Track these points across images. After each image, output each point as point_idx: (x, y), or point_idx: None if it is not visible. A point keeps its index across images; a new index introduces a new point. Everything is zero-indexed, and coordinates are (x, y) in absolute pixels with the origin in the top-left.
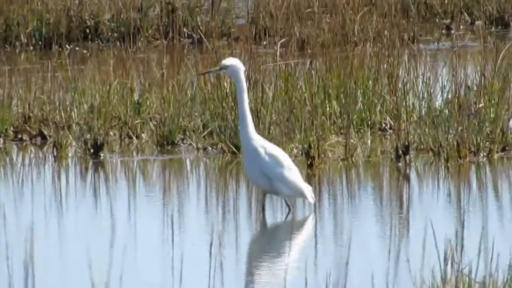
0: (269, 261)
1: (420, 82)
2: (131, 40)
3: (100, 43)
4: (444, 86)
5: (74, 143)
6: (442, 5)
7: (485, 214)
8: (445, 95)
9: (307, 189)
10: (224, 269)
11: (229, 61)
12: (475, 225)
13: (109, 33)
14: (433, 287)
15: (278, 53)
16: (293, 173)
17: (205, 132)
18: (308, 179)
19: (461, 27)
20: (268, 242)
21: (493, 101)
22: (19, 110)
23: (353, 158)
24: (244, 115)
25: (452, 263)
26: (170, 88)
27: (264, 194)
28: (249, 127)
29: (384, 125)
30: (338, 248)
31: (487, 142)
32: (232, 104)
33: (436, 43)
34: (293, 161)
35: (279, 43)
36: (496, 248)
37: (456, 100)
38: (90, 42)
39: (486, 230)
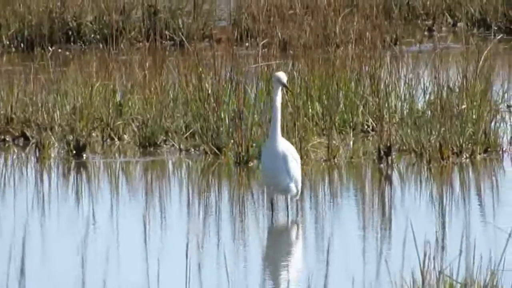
0: (248, 262)
1: (402, 84)
2: (114, 42)
3: (83, 45)
4: (426, 87)
5: (56, 144)
6: (424, 6)
7: (467, 215)
8: (427, 97)
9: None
10: (202, 271)
11: (283, 74)
12: (457, 226)
13: (92, 35)
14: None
15: (260, 54)
16: (300, 173)
17: (187, 133)
18: None
19: (443, 28)
20: (249, 244)
21: (475, 103)
22: (2, 112)
23: (336, 159)
24: (277, 122)
25: (433, 264)
26: (152, 89)
27: (272, 196)
28: (278, 132)
29: (366, 126)
30: (319, 249)
31: (470, 144)
32: (214, 105)
33: (418, 45)
34: None
35: (261, 44)
36: (478, 249)
37: (438, 101)
38: (72, 44)
39: (468, 231)
